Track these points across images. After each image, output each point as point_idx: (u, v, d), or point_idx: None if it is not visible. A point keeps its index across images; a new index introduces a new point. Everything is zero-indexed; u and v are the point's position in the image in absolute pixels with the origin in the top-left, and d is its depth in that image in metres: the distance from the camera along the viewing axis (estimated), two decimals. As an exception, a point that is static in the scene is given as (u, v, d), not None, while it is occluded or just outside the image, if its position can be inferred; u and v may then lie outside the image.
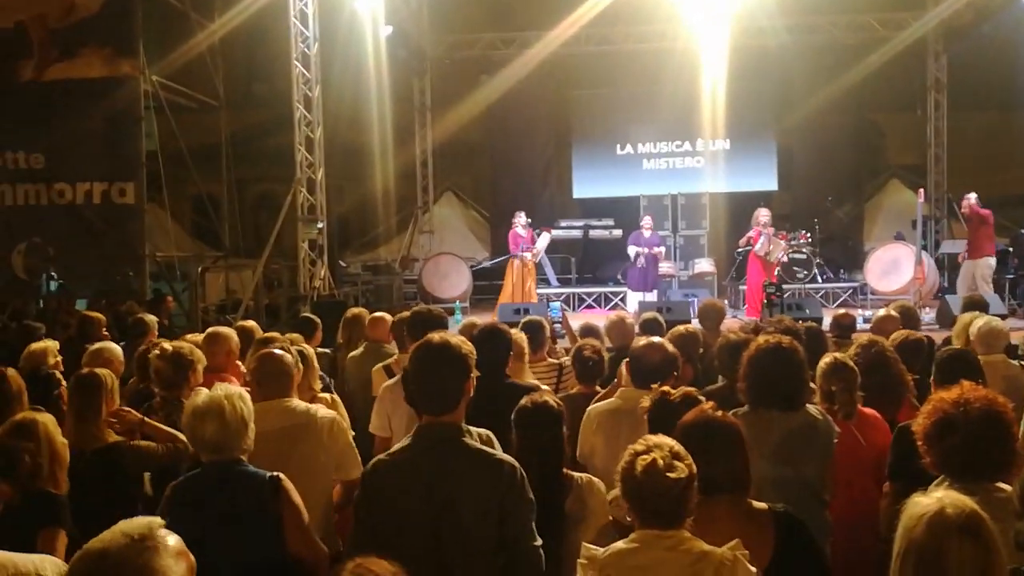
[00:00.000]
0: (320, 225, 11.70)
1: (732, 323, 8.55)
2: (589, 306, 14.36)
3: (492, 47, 15.24)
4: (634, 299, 12.49)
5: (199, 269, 11.60)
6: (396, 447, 2.75)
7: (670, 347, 3.84)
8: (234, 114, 13.37)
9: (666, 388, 3.26)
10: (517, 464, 2.66)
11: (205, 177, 12.97)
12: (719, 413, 2.72)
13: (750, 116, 15.14)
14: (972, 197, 11.93)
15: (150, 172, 11.38)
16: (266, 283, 12.44)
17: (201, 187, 12.81)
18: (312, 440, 3.41)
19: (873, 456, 3.63)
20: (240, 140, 14.26)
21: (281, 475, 2.84)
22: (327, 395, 4.48)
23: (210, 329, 5.02)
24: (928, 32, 14.25)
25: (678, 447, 2.36)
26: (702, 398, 3.12)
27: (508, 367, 4.34)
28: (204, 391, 2.92)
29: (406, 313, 5.22)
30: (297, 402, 3.57)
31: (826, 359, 3.81)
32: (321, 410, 3.64)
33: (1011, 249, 12.93)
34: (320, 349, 6.16)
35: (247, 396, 2.95)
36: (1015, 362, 5.15)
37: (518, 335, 4.50)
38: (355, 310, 6.47)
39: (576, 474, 3.19)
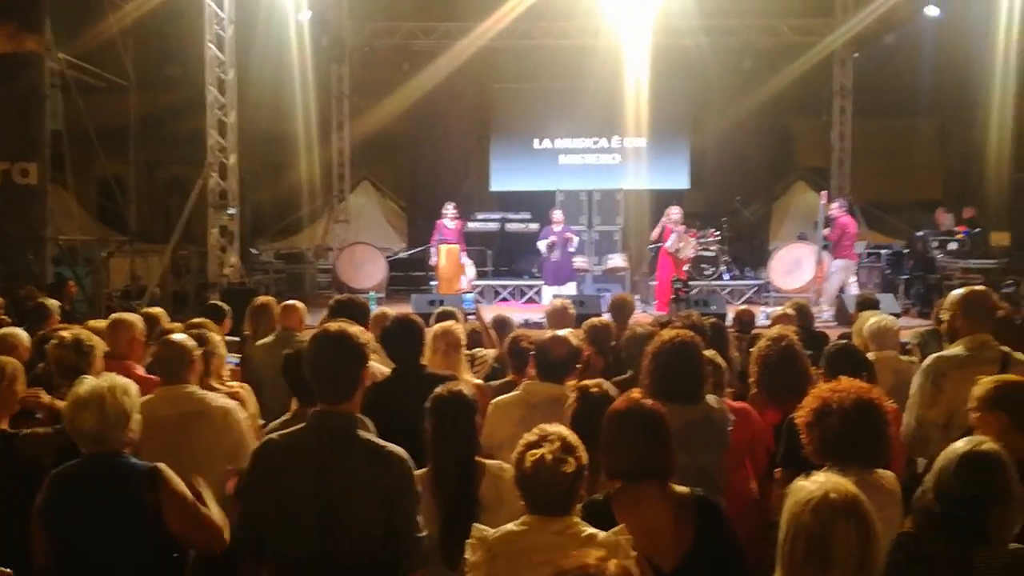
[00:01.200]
0: (232, 211, 11.47)
1: (642, 317, 8.73)
2: (504, 299, 14.46)
3: (413, 36, 15.16)
4: (549, 293, 12.63)
5: (104, 253, 11.25)
6: (290, 429, 2.76)
7: (575, 340, 3.94)
8: (146, 95, 12.98)
9: (586, 382, 3.35)
10: (406, 457, 2.70)
11: (113, 159, 12.58)
12: (647, 401, 2.81)
13: (666, 115, 15.40)
14: (835, 205, 12.35)
15: (54, 153, 10.98)
16: (174, 269, 12.16)
17: (108, 169, 12.42)
18: (206, 428, 3.40)
19: (739, 448, 3.80)
20: (152, 122, 13.86)
21: (160, 466, 2.83)
22: (236, 383, 4.44)
23: (113, 315, 4.92)
24: (835, 39, 14.77)
25: (571, 439, 2.44)
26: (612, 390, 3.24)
27: (445, 358, 4.38)
28: (88, 380, 2.89)
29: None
30: (194, 389, 3.55)
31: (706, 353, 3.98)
32: (218, 398, 3.62)
33: (906, 251, 13.53)
34: (228, 337, 6.09)
35: (132, 387, 2.92)
36: (905, 358, 5.43)
37: (453, 327, 4.53)
38: (262, 298, 6.40)
39: (489, 461, 3.25)
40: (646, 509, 2.55)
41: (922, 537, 2.45)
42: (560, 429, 2.46)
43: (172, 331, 4.47)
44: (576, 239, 13.12)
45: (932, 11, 13.07)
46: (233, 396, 3.86)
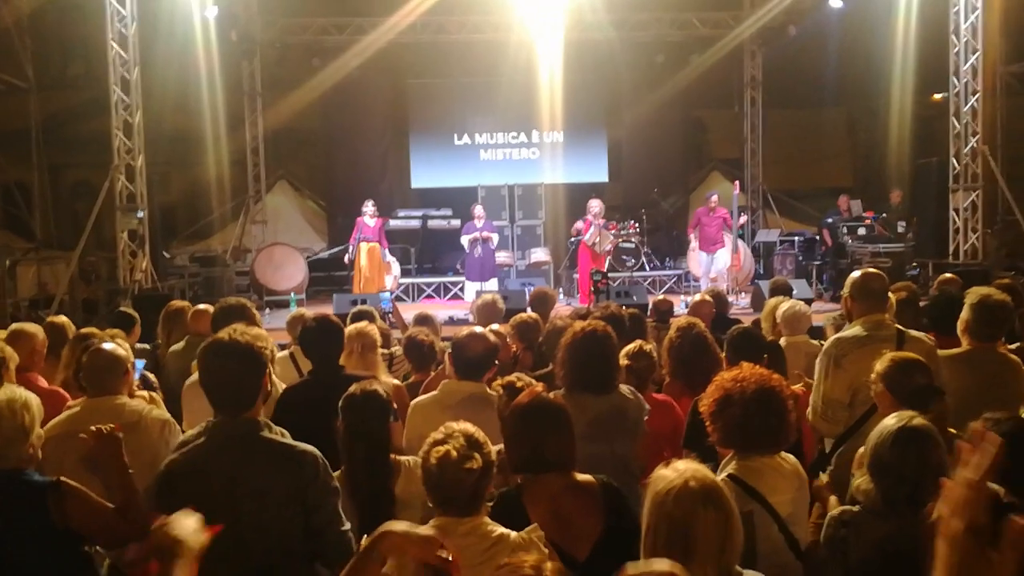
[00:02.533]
0: (141, 214, 11.14)
1: (564, 310, 8.81)
2: (428, 296, 14.41)
3: (325, 32, 14.93)
4: (472, 289, 12.63)
5: (8, 261, 10.80)
6: (189, 445, 2.68)
7: (492, 337, 3.94)
8: (47, 97, 12.56)
9: (510, 379, 3.35)
10: (318, 454, 2.66)
11: (14, 163, 12.11)
12: (549, 395, 2.86)
13: (583, 109, 15.54)
14: (714, 198, 12.83)
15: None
16: (83, 276, 11.75)
17: (10, 174, 11.94)
18: (140, 441, 3.28)
19: (660, 438, 3.87)
20: (55, 124, 13.38)
21: (62, 479, 2.73)
22: (146, 393, 4.32)
23: (13, 326, 4.73)
24: (743, 31, 15.10)
25: (478, 436, 2.44)
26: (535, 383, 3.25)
27: (360, 359, 4.33)
28: None
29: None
30: (127, 400, 3.43)
31: (633, 344, 4.03)
32: (154, 410, 3.51)
33: (817, 237, 13.94)
34: (140, 345, 5.92)
35: (33, 401, 2.80)
36: (816, 341, 5.60)
37: (369, 328, 4.49)
38: (176, 303, 6.24)
39: (403, 458, 3.23)
40: (554, 500, 2.57)
41: (866, 514, 2.53)
42: (466, 426, 2.46)
43: (88, 337, 4.33)
44: (495, 237, 13.13)
45: (836, 3, 13.47)
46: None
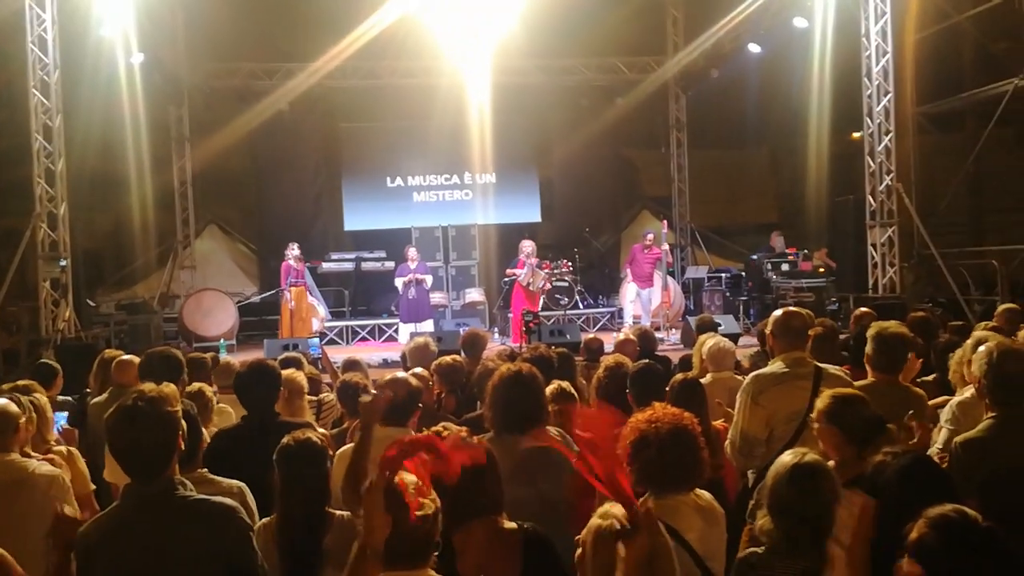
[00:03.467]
0: (63, 263, 10.88)
1: (494, 350, 8.84)
2: (363, 339, 14.32)
3: (254, 77, 14.91)
4: (406, 331, 12.60)
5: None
6: (102, 513, 2.63)
7: (414, 381, 3.96)
8: (-35, 145, 12.20)
9: (437, 428, 3.36)
10: (239, 508, 2.63)
11: (-70, 213, 11.70)
12: (474, 440, 2.82)
13: (513, 151, 15.73)
14: (650, 236, 13.17)
15: None
16: (4, 326, 11.39)
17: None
18: (27, 499, 3.20)
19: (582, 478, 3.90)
20: (-27, 172, 12.97)
21: None
22: (63, 448, 4.21)
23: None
24: (667, 75, 15.54)
25: (421, 485, 2.43)
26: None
27: (286, 405, 4.30)
28: None
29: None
30: (16, 457, 3.35)
31: (552, 385, 4.09)
32: (43, 466, 3.42)
33: (743, 273, 14.29)
34: (62, 397, 5.78)
35: None
36: (740, 377, 5.73)
37: (296, 375, 4.46)
38: (110, 352, 6.09)
39: (338, 512, 3.19)
40: (478, 547, 2.58)
41: (770, 555, 2.57)
42: (410, 477, 2.46)
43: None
44: (429, 279, 13.14)
45: (755, 48, 13.98)
46: (48, 461, 3.64)
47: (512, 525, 2.71)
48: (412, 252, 13.21)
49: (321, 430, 4.43)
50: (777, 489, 2.55)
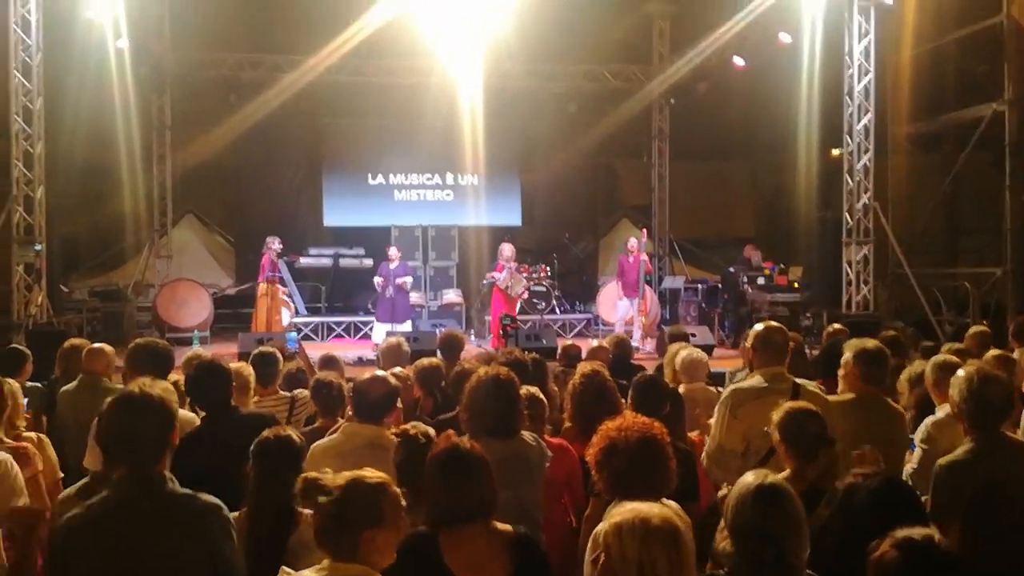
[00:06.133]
0: (38, 247, 10.74)
1: (471, 352, 8.84)
2: (339, 336, 14.25)
3: (240, 68, 14.80)
4: (381, 330, 12.52)
5: None
6: (91, 501, 2.61)
7: (392, 380, 3.95)
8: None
9: (406, 427, 3.35)
10: (222, 505, 2.64)
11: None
12: (463, 443, 2.84)
13: (498, 154, 15.71)
14: (632, 242, 13.19)
15: None
16: (-27, 310, 11.22)
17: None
18: None
19: (557, 482, 3.91)
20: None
21: None
22: (33, 434, 4.16)
23: None
24: (653, 86, 15.61)
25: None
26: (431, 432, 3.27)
27: (236, 401, 4.27)
28: None
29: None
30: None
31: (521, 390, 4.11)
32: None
33: (720, 285, 14.37)
34: (32, 383, 5.71)
35: None
36: (713, 388, 5.77)
37: (243, 367, 4.44)
38: (74, 341, 6.05)
39: (306, 511, 3.20)
40: (470, 547, 2.59)
41: (729, 575, 2.55)
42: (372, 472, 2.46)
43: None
44: (409, 280, 13.08)
45: (739, 62, 14.08)
46: (20, 449, 3.60)
47: (507, 528, 2.72)
48: (393, 251, 13.15)
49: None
50: (740, 510, 2.51)
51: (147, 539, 2.50)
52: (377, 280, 12.72)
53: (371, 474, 2.41)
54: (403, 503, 2.41)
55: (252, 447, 3.10)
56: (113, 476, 2.63)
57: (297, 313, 14.21)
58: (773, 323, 4.30)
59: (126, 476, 2.58)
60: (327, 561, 2.33)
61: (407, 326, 12.61)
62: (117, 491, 2.57)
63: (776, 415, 3.37)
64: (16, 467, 3.39)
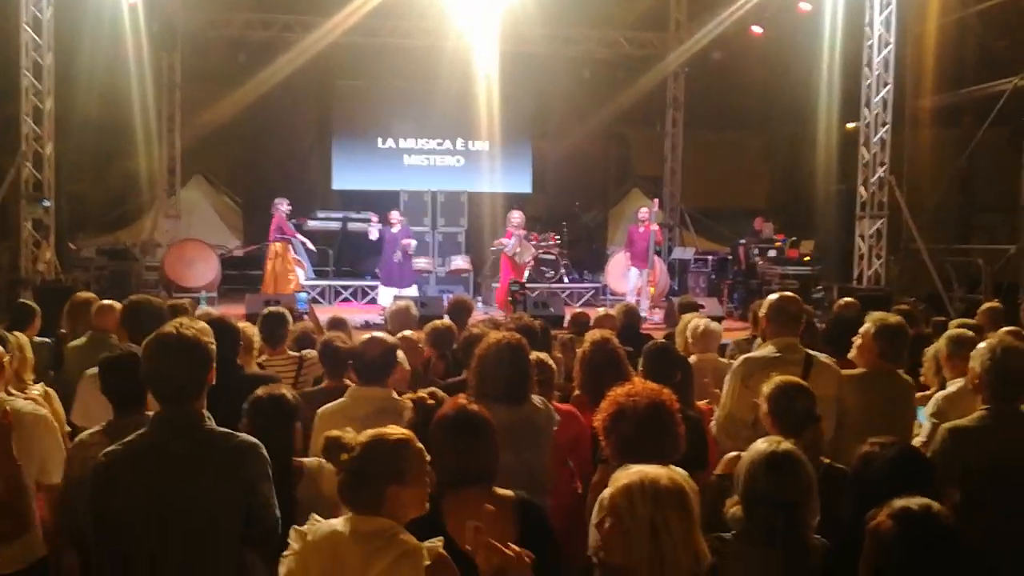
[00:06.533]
0: (47, 203, 10.73)
1: (479, 318, 8.81)
2: (346, 299, 14.24)
3: (251, 28, 14.65)
4: (387, 293, 12.51)
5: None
6: (131, 436, 2.63)
7: (390, 339, 3.93)
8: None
9: (420, 393, 3.33)
10: (259, 443, 2.67)
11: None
12: (472, 406, 2.81)
13: (510, 120, 15.55)
14: (643, 211, 13.11)
15: None
16: (-18, 266, 11.25)
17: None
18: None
19: (563, 448, 3.90)
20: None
21: None
22: (39, 387, 4.16)
23: None
24: (669, 58, 15.40)
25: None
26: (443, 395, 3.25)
27: (241, 360, 4.26)
28: None
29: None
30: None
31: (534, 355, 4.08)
32: (28, 405, 3.38)
33: (730, 257, 14.28)
34: (39, 338, 5.70)
35: None
36: (724, 359, 5.74)
37: (247, 328, 4.42)
38: (82, 295, 6.00)
39: (306, 460, 3.22)
40: (472, 512, 2.56)
41: (738, 542, 2.55)
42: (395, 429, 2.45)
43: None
44: (413, 243, 13.02)
45: (758, 30, 13.87)
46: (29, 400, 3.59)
47: (508, 493, 2.70)
48: (395, 215, 13.10)
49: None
50: (753, 475, 2.53)
51: (186, 470, 2.54)
52: (375, 230, 12.73)
53: (393, 431, 2.41)
54: (427, 458, 2.41)
55: (246, 406, 3.16)
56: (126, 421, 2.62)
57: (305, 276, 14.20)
58: (788, 293, 4.25)
59: (162, 414, 2.61)
60: (351, 513, 2.33)
61: (413, 290, 12.61)
62: (155, 428, 2.60)
63: (767, 387, 3.36)
64: (54, 421, 3.40)
